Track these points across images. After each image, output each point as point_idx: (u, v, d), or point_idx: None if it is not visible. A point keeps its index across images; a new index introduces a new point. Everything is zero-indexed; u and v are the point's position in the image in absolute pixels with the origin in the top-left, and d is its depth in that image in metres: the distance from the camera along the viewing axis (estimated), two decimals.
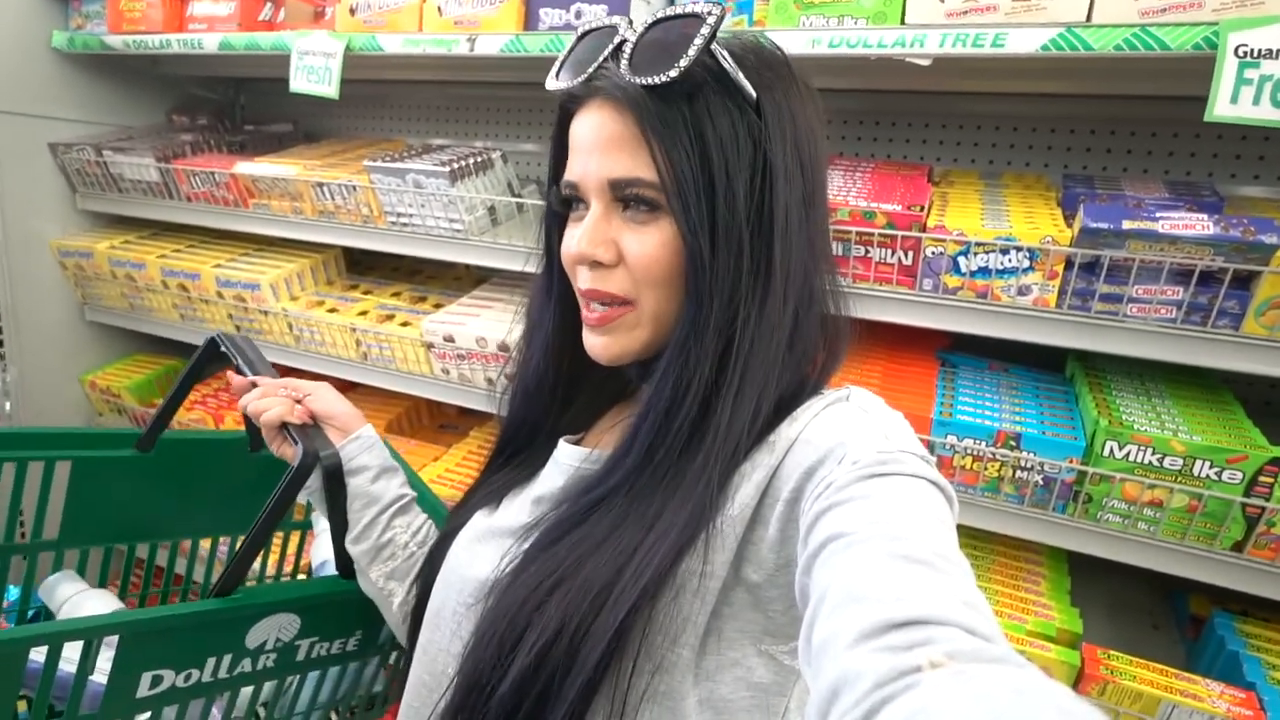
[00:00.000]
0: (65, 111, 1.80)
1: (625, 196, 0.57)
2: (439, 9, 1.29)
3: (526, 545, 0.60)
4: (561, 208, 0.63)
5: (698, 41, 0.53)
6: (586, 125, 0.58)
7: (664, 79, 0.54)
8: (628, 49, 0.56)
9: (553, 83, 0.61)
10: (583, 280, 0.60)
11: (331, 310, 1.56)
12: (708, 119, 0.55)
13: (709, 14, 0.54)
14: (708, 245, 0.55)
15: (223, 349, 0.87)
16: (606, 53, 0.58)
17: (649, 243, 0.57)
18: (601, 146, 0.57)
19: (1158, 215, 0.91)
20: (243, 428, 1.00)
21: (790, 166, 0.57)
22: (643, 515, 0.54)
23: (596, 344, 0.62)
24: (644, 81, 0.54)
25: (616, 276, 0.59)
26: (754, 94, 0.56)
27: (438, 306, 1.54)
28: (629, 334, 0.60)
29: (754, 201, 0.56)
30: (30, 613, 1.04)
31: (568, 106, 0.61)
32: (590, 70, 0.58)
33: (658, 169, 0.55)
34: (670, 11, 0.56)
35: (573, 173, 0.60)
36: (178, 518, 1.03)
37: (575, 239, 0.59)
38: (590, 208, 0.59)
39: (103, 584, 1.02)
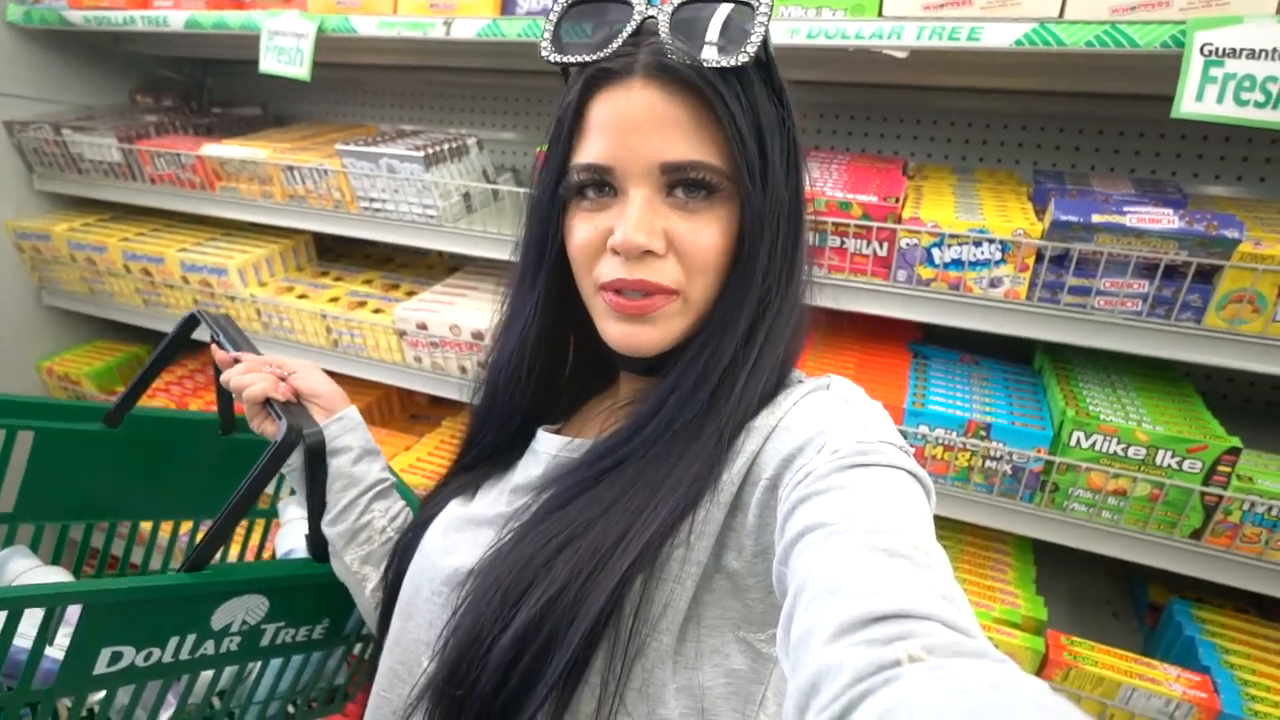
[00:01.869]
0: (21, 88, 1.74)
1: (680, 181, 0.55)
2: None
3: (534, 509, 0.59)
4: (572, 194, 0.59)
5: (759, 27, 0.52)
6: (628, 104, 0.54)
7: (735, 61, 0.52)
8: (663, 25, 0.54)
9: (558, 55, 0.57)
10: (618, 270, 0.56)
11: (301, 296, 1.53)
12: (758, 101, 0.55)
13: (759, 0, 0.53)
14: (761, 229, 0.56)
15: (203, 324, 0.85)
16: (632, 26, 0.55)
17: (709, 231, 0.56)
18: (652, 126, 0.54)
19: (1125, 209, 0.93)
20: (213, 410, 0.98)
21: (803, 151, 0.59)
22: (653, 479, 0.55)
23: (632, 334, 0.58)
24: (716, 62, 0.52)
25: (666, 266, 0.56)
26: (781, 80, 0.57)
27: (410, 294, 1.52)
28: (671, 323, 0.58)
29: (786, 184, 0.57)
30: None
31: (594, 82, 0.56)
32: (618, 44, 0.55)
33: (725, 153, 0.54)
34: None
35: (602, 155, 0.55)
36: (140, 498, 1.00)
37: (622, 228, 0.54)
38: (628, 194, 0.55)
39: (56, 564, 0.98)
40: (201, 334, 0.88)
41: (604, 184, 0.57)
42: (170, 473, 1.00)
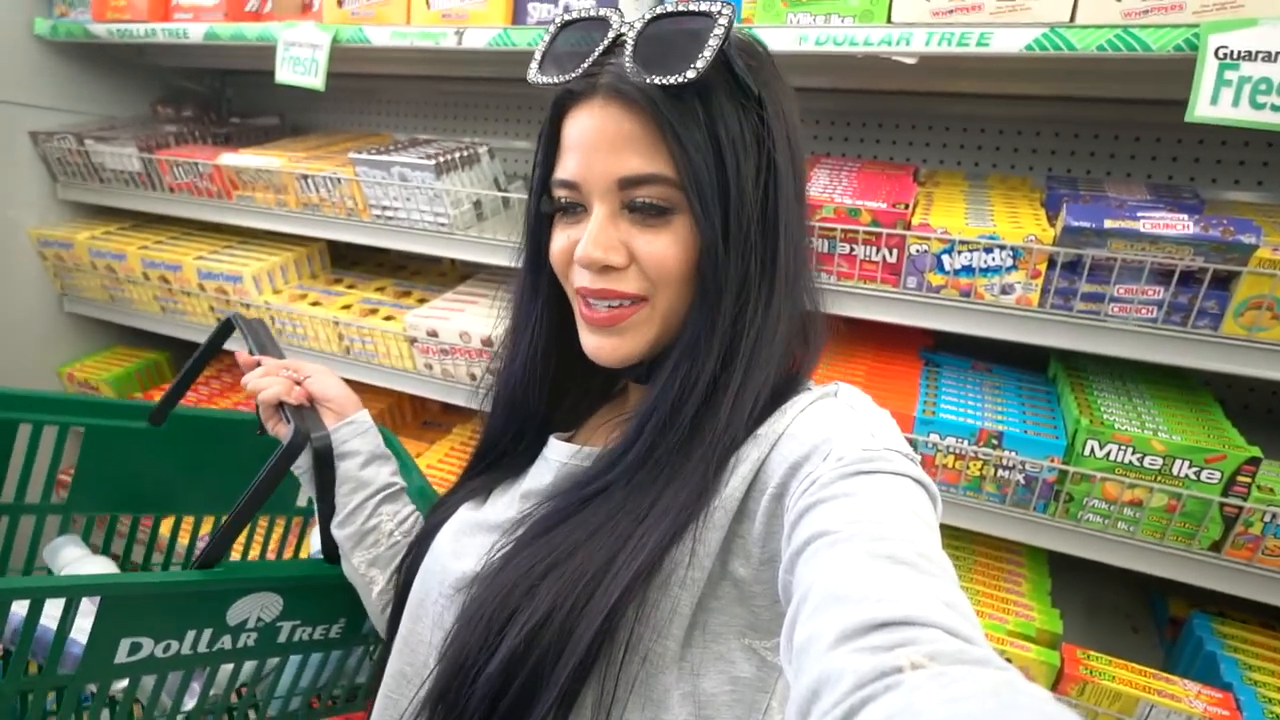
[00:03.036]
0: (47, 100, 1.78)
1: (635, 196, 0.56)
2: (427, 2, 1.29)
3: (519, 532, 0.59)
4: (551, 209, 0.61)
5: (712, 42, 0.53)
6: (590, 123, 0.56)
7: (683, 79, 0.52)
8: (628, 44, 0.55)
9: (538, 76, 0.59)
10: (586, 280, 0.58)
11: (315, 304, 1.54)
12: (720, 118, 0.55)
13: (720, 14, 0.53)
14: (722, 244, 0.55)
15: (237, 328, 0.88)
16: (602, 47, 0.57)
17: (663, 244, 0.56)
18: (609, 144, 0.55)
19: (1139, 215, 0.92)
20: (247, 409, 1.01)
21: (785, 165, 0.58)
22: (639, 505, 0.54)
23: (603, 345, 0.59)
24: (662, 80, 0.53)
25: (630, 277, 0.57)
26: (757, 93, 0.56)
27: (422, 301, 1.53)
28: (641, 332, 0.59)
29: (759, 199, 0.57)
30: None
31: (563, 102, 0.59)
32: (587, 65, 0.56)
33: (676, 167, 0.55)
34: (675, 8, 0.55)
35: (570, 172, 0.58)
36: (183, 493, 1.05)
37: (582, 243, 0.56)
38: (592, 210, 0.57)
39: (105, 553, 1.04)
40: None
41: (575, 199, 0.59)
42: (210, 469, 1.05)
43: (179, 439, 1.00)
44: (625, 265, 0.57)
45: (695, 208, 0.55)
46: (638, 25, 0.56)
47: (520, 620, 0.52)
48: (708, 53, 0.53)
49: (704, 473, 0.54)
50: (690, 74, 0.52)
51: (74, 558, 0.95)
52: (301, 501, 1.15)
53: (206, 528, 1.11)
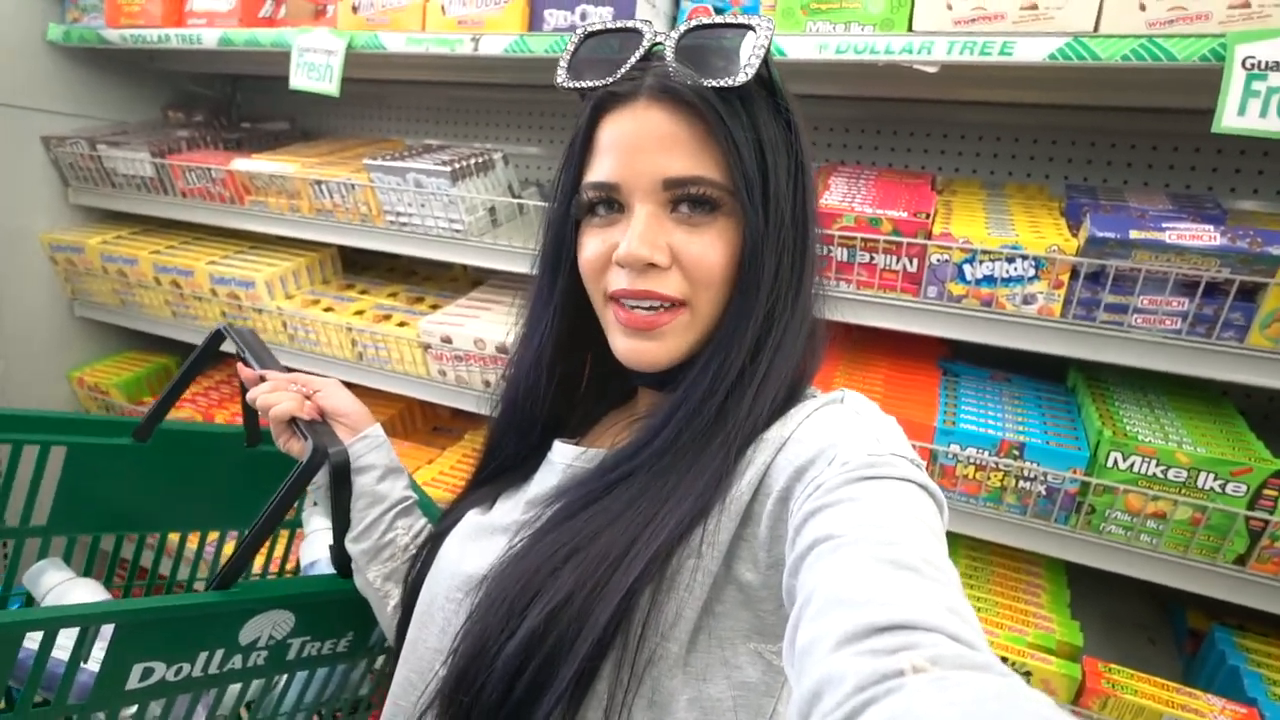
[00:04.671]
0: (59, 105, 1.78)
1: (682, 196, 0.57)
2: (442, 8, 1.29)
3: (541, 522, 0.59)
4: (583, 213, 0.61)
5: (759, 50, 0.55)
6: (632, 124, 0.57)
7: (734, 82, 0.54)
8: (669, 51, 0.57)
9: (570, 81, 0.60)
10: (625, 281, 0.58)
11: (327, 309, 1.54)
12: (762, 122, 0.57)
13: (760, 25, 0.55)
14: (763, 244, 0.57)
15: (229, 340, 0.86)
16: (640, 53, 0.58)
17: (706, 243, 0.57)
18: (654, 145, 0.56)
19: (1164, 225, 0.91)
20: (238, 423, 0.99)
21: (809, 168, 0.60)
22: (661, 489, 0.55)
23: (639, 348, 0.59)
24: (715, 83, 0.55)
25: (671, 279, 0.57)
26: (786, 101, 0.59)
27: (434, 307, 1.53)
28: (679, 337, 0.59)
29: (791, 198, 0.58)
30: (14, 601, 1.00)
31: (602, 105, 0.59)
32: (625, 69, 0.58)
33: (722, 168, 0.56)
34: (716, 19, 0.57)
35: (608, 173, 0.58)
36: (169, 510, 1.02)
37: (626, 241, 0.56)
38: (634, 210, 0.57)
39: (88, 574, 0.99)
40: (229, 345, 0.89)
41: (612, 201, 0.59)
42: (198, 485, 1.02)
43: (165, 455, 0.96)
44: (668, 265, 0.57)
45: (744, 206, 0.56)
46: (674, 35, 0.57)
47: (542, 601, 0.52)
48: (755, 60, 0.54)
49: (724, 458, 0.54)
50: (742, 78, 0.54)
51: (57, 581, 0.90)
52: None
53: (193, 544, 1.08)
